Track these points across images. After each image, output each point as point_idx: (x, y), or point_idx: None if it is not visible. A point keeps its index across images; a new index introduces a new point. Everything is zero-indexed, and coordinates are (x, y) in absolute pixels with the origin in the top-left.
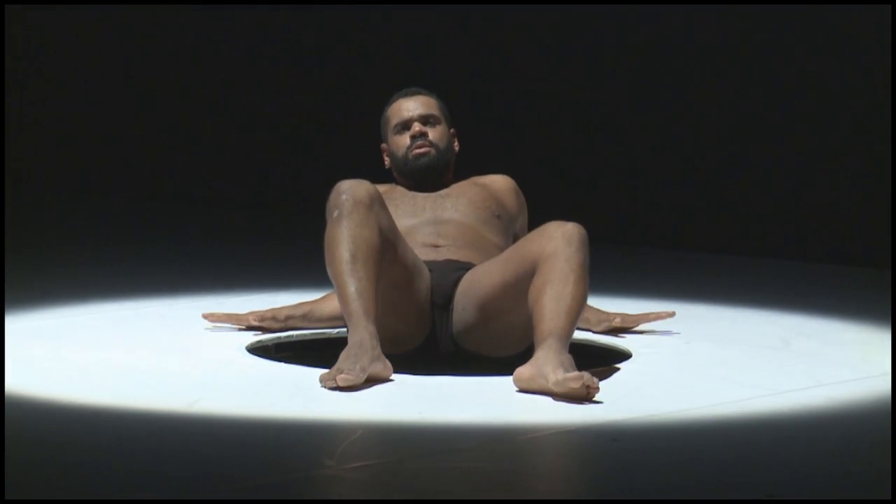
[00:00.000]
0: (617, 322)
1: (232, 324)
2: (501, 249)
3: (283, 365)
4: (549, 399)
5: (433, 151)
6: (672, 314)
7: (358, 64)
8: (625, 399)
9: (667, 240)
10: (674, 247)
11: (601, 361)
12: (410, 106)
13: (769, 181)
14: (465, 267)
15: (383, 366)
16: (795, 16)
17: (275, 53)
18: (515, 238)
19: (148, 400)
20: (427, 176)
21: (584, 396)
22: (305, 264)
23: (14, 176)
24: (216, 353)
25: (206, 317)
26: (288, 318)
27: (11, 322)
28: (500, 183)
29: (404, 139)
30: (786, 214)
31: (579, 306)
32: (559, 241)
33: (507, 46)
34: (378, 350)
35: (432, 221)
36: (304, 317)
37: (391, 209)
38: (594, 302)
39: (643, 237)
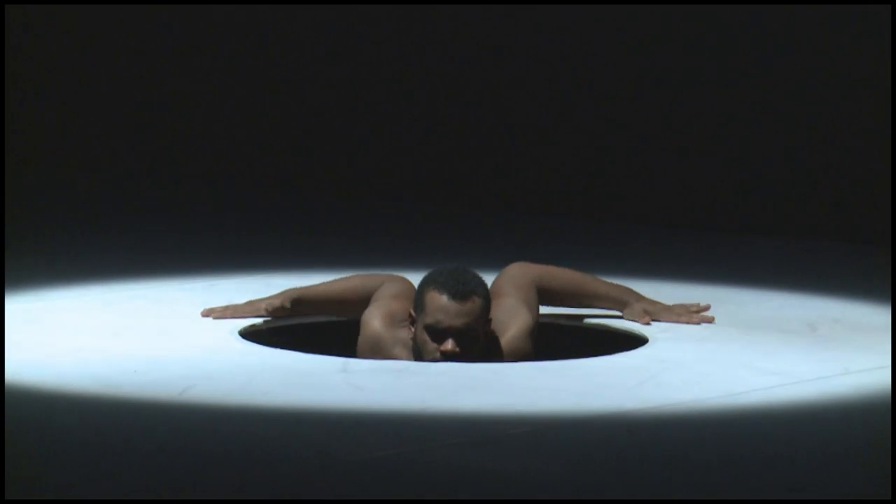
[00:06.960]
0: (652, 315)
1: (239, 316)
2: None
3: (277, 351)
4: (560, 388)
5: (460, 360)
6: (712, 320)
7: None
8: (641, 387)
9: (689, 221)
10: (695, 227)
11: (618, 347)
12: (452, 314)
13: (799, 161)
14: None
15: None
16: (795, 5)
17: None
18: None
19: (136, 388)
20: None
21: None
22: (297, 245)
23: None
24: (208, 339)
25: (205, 314)
26: (300, 303)
27: None
28: (507, 332)
29: (433, 347)
30: (816, 193)
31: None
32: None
33: (512, 43)
34: None
35: None
36: (311, 302)
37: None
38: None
39: (664, 218)
